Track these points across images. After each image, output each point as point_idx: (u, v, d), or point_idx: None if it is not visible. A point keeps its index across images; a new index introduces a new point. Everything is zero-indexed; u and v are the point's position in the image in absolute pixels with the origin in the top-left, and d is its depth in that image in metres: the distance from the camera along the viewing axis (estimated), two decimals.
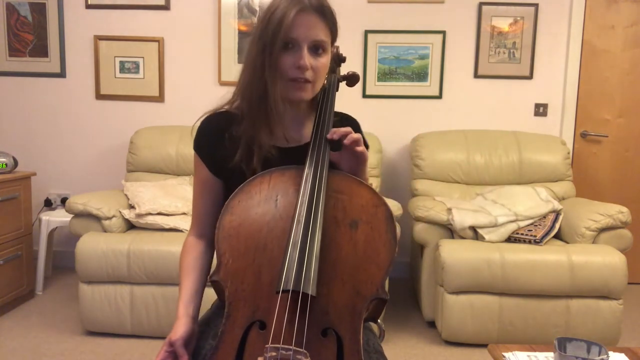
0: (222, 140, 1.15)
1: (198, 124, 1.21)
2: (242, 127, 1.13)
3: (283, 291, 0.90)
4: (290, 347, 0.88)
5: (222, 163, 1.15)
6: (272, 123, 1.13)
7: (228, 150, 1.14)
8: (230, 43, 3.31)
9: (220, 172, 1.17)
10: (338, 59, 1.26)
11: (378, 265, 0.97)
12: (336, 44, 1.23)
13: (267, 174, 1.08)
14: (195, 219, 1.22)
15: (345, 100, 1.26)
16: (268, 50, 1.06)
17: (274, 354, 0.88)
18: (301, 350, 0.88)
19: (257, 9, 3.27)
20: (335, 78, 1.23)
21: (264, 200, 1.04)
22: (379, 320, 1.12)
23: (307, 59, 1.06)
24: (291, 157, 1.12)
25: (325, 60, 1.11)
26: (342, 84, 1.30)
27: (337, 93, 1.23)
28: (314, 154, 1.06)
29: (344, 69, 1.32)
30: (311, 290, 0.89)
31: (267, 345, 0.89)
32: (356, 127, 1.26)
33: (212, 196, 1.19)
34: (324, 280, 0.94)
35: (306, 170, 1.04)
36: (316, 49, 1.09)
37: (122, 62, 3.36)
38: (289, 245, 0.94)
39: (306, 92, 1.10)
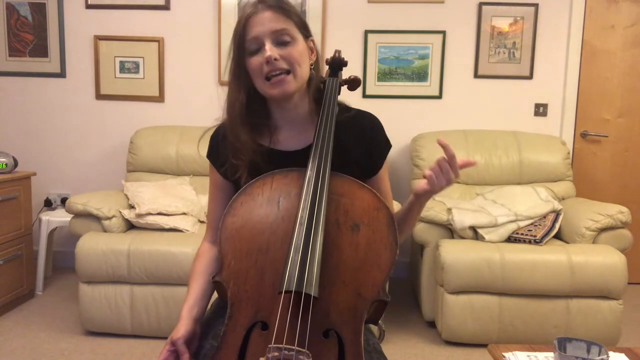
0: (226, 154, 1.18)
1: (211, 132, 1.25)
2: (227, 142, 1.17)
3: (285, 292, 0.91)
4: (293, 347, 0.89)
5: (228, 176, 1.18)
6: (254, 128, 1.15)
7: (229, 166, 1.17)
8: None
9: (230, 178, 1.19)
10: (340, 63, 1.26)
11: (379, 268, 0.98)
12: (340, 46, 1.23)
13: (269, 175, 1.09)
14: (209, 225, 1.24)
15: (344, 99, 1.26)
16: (235, 59, 1.12)
17: (276, 354, 0.88)
18: (303, 350, 0.89)
19: None
20: (336, 82, 1.22)
21: (267, 202, 1.04)
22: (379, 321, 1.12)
23: (272, 50, 1.07)
24: (294, 160, 1.12)
25: (296, 47, 1.10)
26: (344, 89, 1.29)
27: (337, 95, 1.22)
28: (316, 156, 1.07)
29: (345, 74, 1.31)
30: (313, 291, 0.90)
31: (269, 345, 0.89)
32: (375, 126, 1.22)
33: (225, 201, 1.20)
34: (325, 282, 0.95)
35: (308, 173, 1.05)
36: (282, 40, 1.09)
37: (122, 62, 3.36)
38: (291, 247, 0.95)
39: (288, 84, 1.10)
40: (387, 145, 1.22)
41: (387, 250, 0.99)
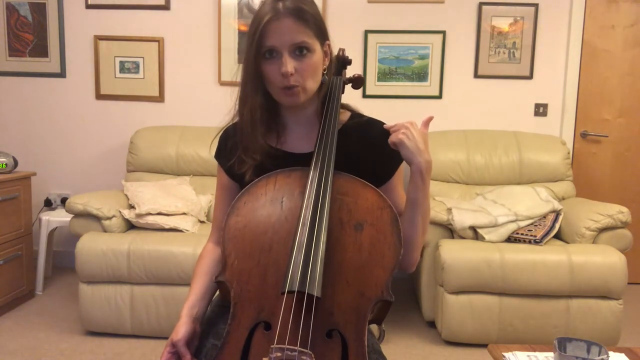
0: (235, 150, 1.18)
1: (221, 134, 1.24)
2: (237, 137, 1.16)
3: (288, 292, 0.91)
4: (295, 347, 0.89)
5: (235, 172, 1.18)
6: (262, 131, 1.14)
7: (237, 159, 1.16)
8: (230, 43, 3.31)
9: (236, 180, 1.19)
10: (344, 62, 1.25)
11: (383, 267, 0.97)
12: (340, 46, 1.22)
13: (272, 175, 1.09)
14: (214, 226, 1.24)
15: (346, 100, 1.26)
16: (251, 62, 1.09)
17: (279, 354, 0.88)
18: (306, 351, 0.89)
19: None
20: (340, 80, 1.22)
21: (270, 201, 1.04)
22: None
23: (289, 64, 1.05)
24: (301, 164, 1.12)
25: (312, 59, 1.09)
26: (348, 86, 1.29)
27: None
28: (320, 156, 1.07)
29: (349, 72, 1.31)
30: (316, 292, 0.90)
31: (272, 346, 0.89)
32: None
33: (231, 203, 1.20)
34: (328, 282, 0.95)
35: (311, 173, 1.05)
36: (300, 50, 1.07)
37: (122, 62, 3.36)
38: (294, 247, 0.95)
39: (297, 97, 1.09)
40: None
41: (391, 250, 0.99)
